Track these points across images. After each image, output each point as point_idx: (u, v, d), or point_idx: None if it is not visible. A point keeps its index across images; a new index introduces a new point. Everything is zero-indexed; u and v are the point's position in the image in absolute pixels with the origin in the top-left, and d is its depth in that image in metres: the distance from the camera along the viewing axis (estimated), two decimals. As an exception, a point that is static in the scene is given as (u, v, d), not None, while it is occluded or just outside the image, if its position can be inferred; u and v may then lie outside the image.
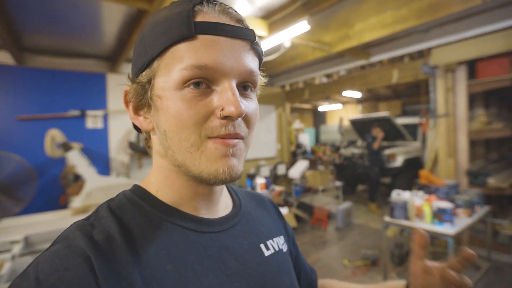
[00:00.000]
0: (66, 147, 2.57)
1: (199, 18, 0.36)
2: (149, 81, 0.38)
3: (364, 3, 3.03)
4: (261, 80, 0.43)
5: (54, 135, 2.59)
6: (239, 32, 0.37)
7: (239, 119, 0.37)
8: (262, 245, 0.47)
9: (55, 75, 3.79)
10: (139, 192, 0.42)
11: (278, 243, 0.51)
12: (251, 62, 0.39)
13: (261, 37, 3.24)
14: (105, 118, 4.12)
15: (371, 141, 4.89)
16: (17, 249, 1.88)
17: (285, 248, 0.52)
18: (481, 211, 2.75)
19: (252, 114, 0.40)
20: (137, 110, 0.42)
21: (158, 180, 0.43)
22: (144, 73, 0.38)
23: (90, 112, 3.96)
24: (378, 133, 4.83)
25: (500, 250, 3.24)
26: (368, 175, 5.35)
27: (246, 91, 0.40)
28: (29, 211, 2.94)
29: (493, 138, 3.87)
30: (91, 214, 0.39)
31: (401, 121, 6.06)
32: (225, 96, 0.36)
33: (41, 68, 3.72)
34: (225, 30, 0.36)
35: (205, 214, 0.43)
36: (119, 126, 4.20)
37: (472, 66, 3.50)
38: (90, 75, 4.04)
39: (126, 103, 0.42)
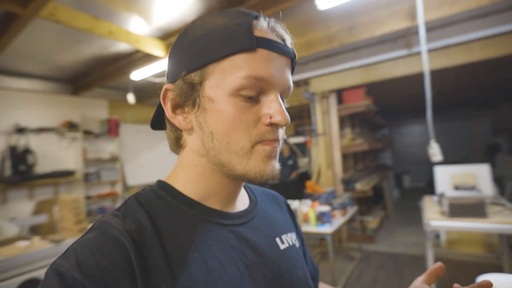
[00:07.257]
0: None
1: (256, 33, 0.39)
2: (200, 82, 0.40)
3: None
4: None
5: None
6: (286, 50, 0.42)
7: None
8: (277, 239, 0.50)
9: None
10: (165, 187, 0.45)
11: (292, 238, 0.53)
12: (290, 79, 0.43)
13: (158, 57, 3.21)
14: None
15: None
16: None
17: (297, 244, 0.54)
18: (351, 210, 3.37)
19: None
20: (176, 109, 0.43)
21: (187, 177, 0.45)
22: (194, 73, 0.40)
23: None
24: (285, 150, 5.30)
25: (368, 241, 4.01)
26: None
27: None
28: None
29: (358, 151, 4.83)
30: (120, 206, 0.41)
31: (293, 140, 6.88)
32: (273, 106, 0.40)
33: None
34: (277, 47, 0.40)
35: (226, 208, 0.46)
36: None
37: (340, 94, 4.37)
38: None
39: (164, 101, 0.43)
